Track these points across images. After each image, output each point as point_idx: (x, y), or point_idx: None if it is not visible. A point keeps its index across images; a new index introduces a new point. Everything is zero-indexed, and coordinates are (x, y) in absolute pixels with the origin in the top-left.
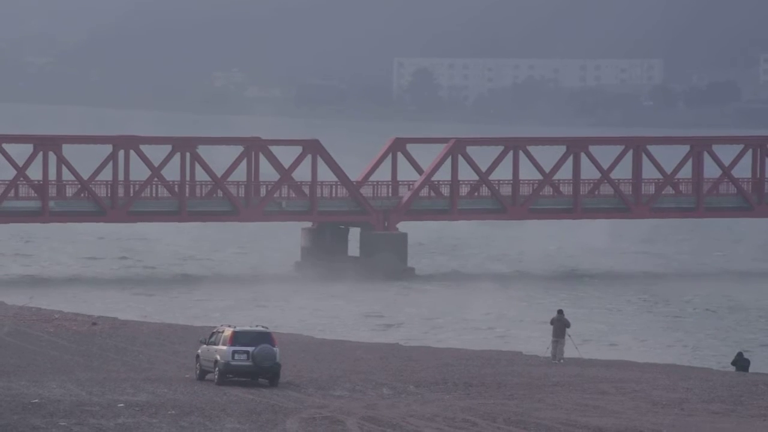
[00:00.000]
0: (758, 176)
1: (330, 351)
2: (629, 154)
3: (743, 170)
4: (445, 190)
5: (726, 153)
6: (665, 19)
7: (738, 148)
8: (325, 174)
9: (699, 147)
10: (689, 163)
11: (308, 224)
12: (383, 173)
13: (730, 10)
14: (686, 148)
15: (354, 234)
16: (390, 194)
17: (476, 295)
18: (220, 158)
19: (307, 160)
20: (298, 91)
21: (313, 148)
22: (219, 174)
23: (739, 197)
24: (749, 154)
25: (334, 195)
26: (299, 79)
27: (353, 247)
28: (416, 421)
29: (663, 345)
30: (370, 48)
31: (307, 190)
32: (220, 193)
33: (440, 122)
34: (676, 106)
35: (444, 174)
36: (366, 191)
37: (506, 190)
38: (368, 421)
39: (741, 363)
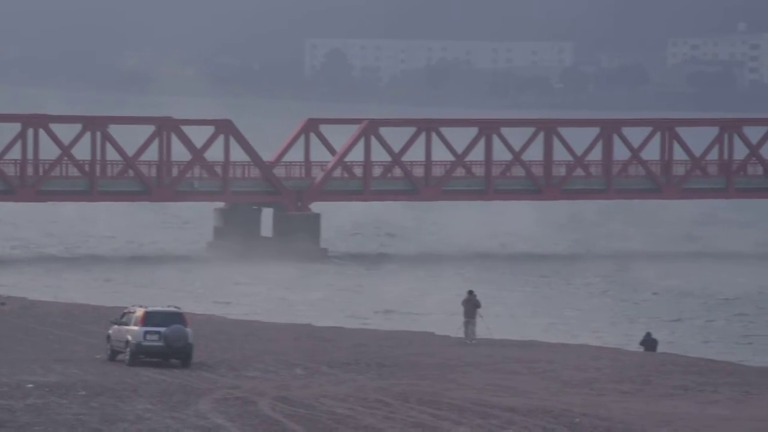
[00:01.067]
0: (667, 158)
1: (243, 332)
2: (541, 136)
3: (652, 152)
4: (359, 171)
5: (635, 135)
6: (575, 1)
7: (647, 130)
8: (237, 154)
9: (609, 129)
10: (599, 145)
11: (221, 204)
12: (296, 154)
13: None
14: (596, 130)
15: (267, 214)
16: (303, 175)
17: (389, 275)
18: (131, 138)
19: (220, 140)
20: (211, 72)
21: (225, 128)
22: (130, 154)
23: (648, 179)
24: (658, 136)
25: (246, 175)
26: (212, 60)
27: (266, 228)
28: (329, 401)
29: (574, 325)
30: (282, 28)
31: (219, 171)
32: (131, 173)
33: (353, 103)
34: (586, 88)
35: (357, 155)
36: (279, 172)
37: (419, 171)
38: (281, 402)
39: (649, 343)
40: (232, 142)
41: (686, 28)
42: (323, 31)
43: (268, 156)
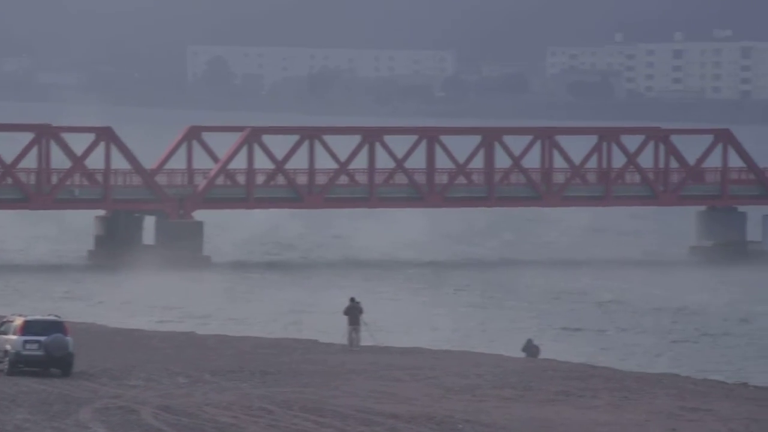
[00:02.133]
0: (547, 166)
1: (124, 340)
2: (424, 144)
3: (533, 161)
4: (242, 179)
5: (516, 143)
6: (457, 10)
7: (528, 138)
8: (119, 162)
9: (490, 137)
10: (481, 153)
11: (102, 213)
12: (179, 162)
13: (519, 3)
14: (478, 138)
15: (149, 222)
16: (185, 183)
17: (274, 283)
18: (9, 145)
19: (101, 148)
20: (92, 78)
21: (106, 135)
22: (8, 161)
23: (529, 187)
24: (538, 144)
25: (128, 183)
26: (93, 66)
27: (148, 236)
28: (212, 409)
29: (457, 332)
30: (164, 36)
31: (100, 178)
32: (9, 181)
33: (236, 111)
34: (467, 96)
35: (240, 162)
36: (161, 179)
37: (303, 179)
38: (163, 411)
39: (530, 349)
40: (113, 149)
41: (565, 37)
42: (205, 38)
43: (149, 164)
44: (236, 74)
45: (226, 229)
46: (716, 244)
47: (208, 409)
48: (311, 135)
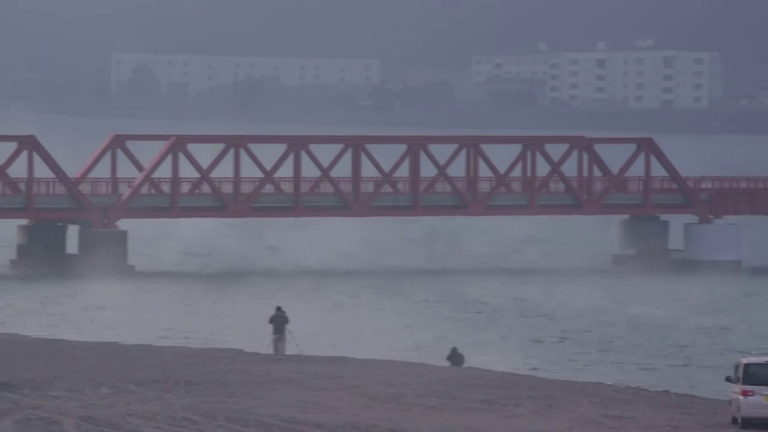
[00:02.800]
0: (472, 175)
1: (47, 350)
2: (349, 153)
3: (457, 169)
4: (166, 188)
5: (441, 152)
6: (382, 19)
7: (453, 147)
8: (42, 170)
9: (415, 146)
10: (407, 162)
11: (24, 222)
12: (103, 170)
13: (444, 12)
14: (404, 147)
15: (73, 231)
16: (110, 191)
17: (198, 292)
18: None
19: (23, 156)
20: (14, 86)
21: (29, 143)
22: None
23: (455, 195)
24: (463, 153)
25: (51, 192)
26: (14, 74)
27: (72, 245)
28: (136, 420)
29: (383, 341)
30: (88, 43)
31: (23, 187)
32: None
33: (160, 119)
34: (392, 105)
35: (165, 171)
36: (85, 188)
37: (228, 188)
38: (86, 421)
39: (455, 358)
40: (36, 158)
41: (490, 46)
42: (129, 46)
43: (73, 172)
44: (161, 82)
45: (150, 238)
46: (639, 252)
47: (131, 420)
48: (236, 144)
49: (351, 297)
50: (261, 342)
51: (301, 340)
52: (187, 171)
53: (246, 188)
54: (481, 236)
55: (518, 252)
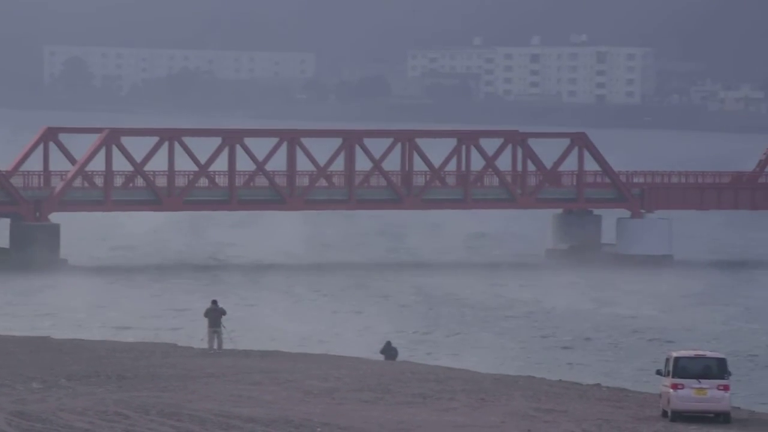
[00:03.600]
0: (407, 169)
1: None
2: (284, 147)
3: (393, 163)
4: (100, 181)
5: (376, 146)
6: (317, 13)
7: (388, 141)
8: None
9: (351, 140)
10: (342, 156)
11: None
12: (35, 163)
13: (379, 6)
14: (339, 141)
15: (4, 225)
16: (42, 185)
17: (132, 287)
18: None
19: None
20: None
21: None
22: None
23: (390, 189)
24: (398, 147)
25: None
26: None
27: (3, 239)
28: (67, 415)
29: (317, 335)
30: (19, 35)
31: None
32: None
33: (94, 112)
34: (328, 99)
35: (98, 164)
36: (17, 181)
37: (162, 181)
38: (17, 417)
39: (389, 352)
40: None
41: (425, 40)
42: (62, 39)
43: (5, 165)
44: (95, 75)
45: (84, 231)
46: (572, 246)
47: (62, 415)
48: (171, 137)
49: (287, 292)
50: (195, 336)
51: (234, 334)
52: (120, 164)
53: (180, 182)
54: (419, 230)
55: (453, 246)
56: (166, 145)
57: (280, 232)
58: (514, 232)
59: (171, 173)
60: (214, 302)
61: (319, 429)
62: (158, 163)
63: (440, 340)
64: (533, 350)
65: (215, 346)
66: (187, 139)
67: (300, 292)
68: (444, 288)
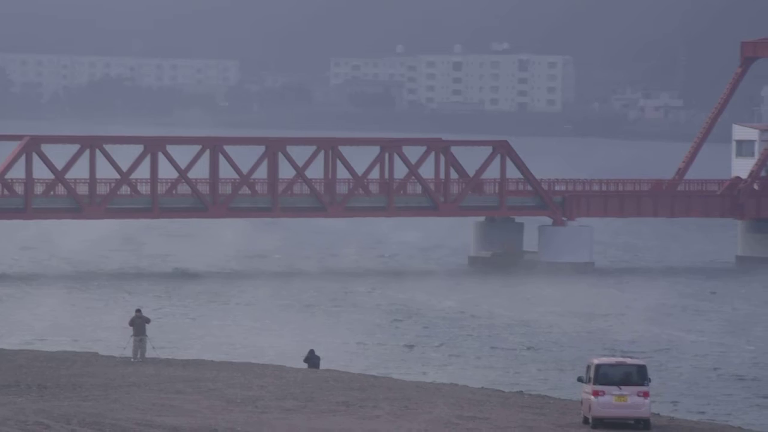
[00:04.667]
0: (330, 177)
1: None
2: (207, 154)
3: (316, 171)
4: (20, 189)
5: (299, 154)
6: (239, 20)
7: (311, 149)
8: None
9: (273, 147)
10: (265, 163)
11: None
12: None
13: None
14: (262, 149)
15: None
16: None
17: (52, 296)
18: None
19: None
20: None
21: None
22: None
23: (313, 197)
24: (322, 155)
25: None
26: None
27: None
28: None
29: (241, 343)
30: None
31: None
32: None
33: (14, 119)
34: (251, 107)
35: (18, 172)
36: None
37: (84, 189)
38: None
39: (312, 360)
40: None
41: (348, 48)
42: None
43: None
44: (14, 82)
45: (3, 239)
46: (494, 254)
47: None
48: (92, 144)
49: (211, 301)
50: (117, 345)
51: (157, 343)
52: (41, 172)
53: (102, 190)
54: (340, 238)
55: (376, 254)
56: (87, 152)
57: (207, 240)
58: (436, 239)
59: (92, 181)
60: (138, 311)
61: None
62: (79, 170)
63: (363, 348)
64: (455, 358)
65: (138, 355)
66: (108, 147)
67: (224, 300)
68: (367, 295)
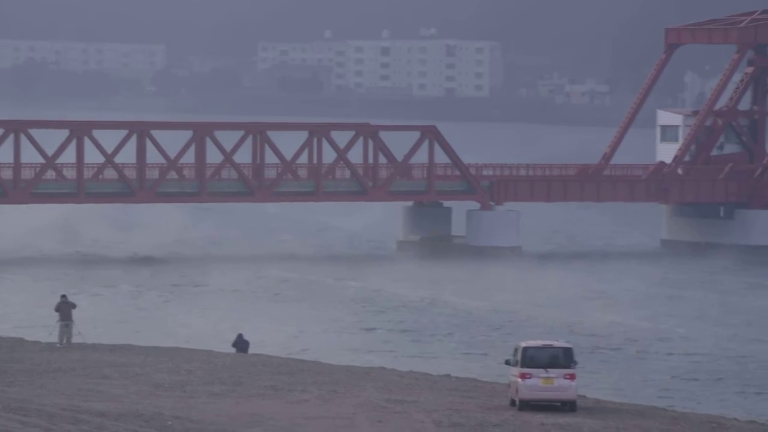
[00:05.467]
0: (259, 162)
1: None
2: (134, 139)
3: (244, 156)
4: None
5: (228, 139)
6: (166, 4)
7: (239, 134)
8: None
9: (202, 132)
10: (193, 148)
11: None
12: None
13: None
14: (189, 133)
15: None
16: None
17: None
18: None
19: None
20: None
21: None
22: None
23: (241, 182)
24: (250, 139)
25: None
26: None
27: None
28: None
29: (166, 327)
30: None
31: None
32: None
33: None
34: (178, 91)
35: None
36: None
37: (8, 174)
38: None
39: (241, 345)
40: None
41: (276, 33)
42: None
43: None
44: None
45: None
46: (423, 238)
47: None
48: (16, 129)
49: (135, 287)
50: (42, 330)
51: (82, 328)
52: None
53: (27, 174)
54: (270, 223)
55: (304, 238)
56: (11, 137)
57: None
58: (365, 224)
59: (17, 166)
60: (64, 296)
61: (170, 422)
62: (4, 155)
63: (291, 331)
64: (383, 341)
65: (64, 341)
66: (33, 132)
67: (153, 286)
68: (293, 281)
